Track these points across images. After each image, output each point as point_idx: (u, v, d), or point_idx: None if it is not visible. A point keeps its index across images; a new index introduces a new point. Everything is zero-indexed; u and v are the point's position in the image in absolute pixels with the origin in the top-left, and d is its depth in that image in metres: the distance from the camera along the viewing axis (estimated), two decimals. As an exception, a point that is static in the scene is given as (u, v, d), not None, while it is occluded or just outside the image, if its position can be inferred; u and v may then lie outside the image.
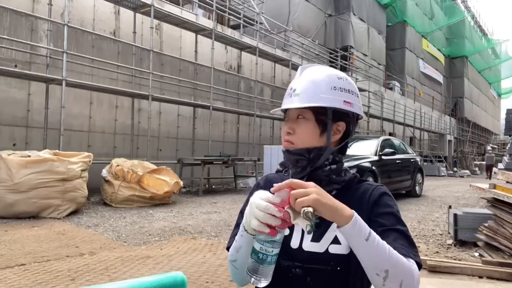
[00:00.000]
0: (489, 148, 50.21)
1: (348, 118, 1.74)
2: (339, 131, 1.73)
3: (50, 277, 5.52)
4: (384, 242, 1.40)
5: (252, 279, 1.43)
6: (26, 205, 9.72)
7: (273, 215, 1.36)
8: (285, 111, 1.78)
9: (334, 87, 1.68)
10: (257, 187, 1.90)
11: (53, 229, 8.66)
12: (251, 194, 1.71)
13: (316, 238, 1.65)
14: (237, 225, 1.76)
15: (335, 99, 1.67)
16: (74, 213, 10.49)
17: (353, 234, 1.37)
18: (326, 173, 1.71)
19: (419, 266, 1.47)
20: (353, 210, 1.39)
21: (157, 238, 8.21)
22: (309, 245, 1.66)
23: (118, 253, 6.86)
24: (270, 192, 1.41)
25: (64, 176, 10.23)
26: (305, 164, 1.70)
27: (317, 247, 1.65)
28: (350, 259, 1.57)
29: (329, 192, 1.60)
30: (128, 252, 6.96)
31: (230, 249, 1.71)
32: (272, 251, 1.40)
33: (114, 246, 7.45)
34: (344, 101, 1.68)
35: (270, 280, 1.44)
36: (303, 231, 1.68)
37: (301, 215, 1.32)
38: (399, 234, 1.55)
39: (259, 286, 1.45)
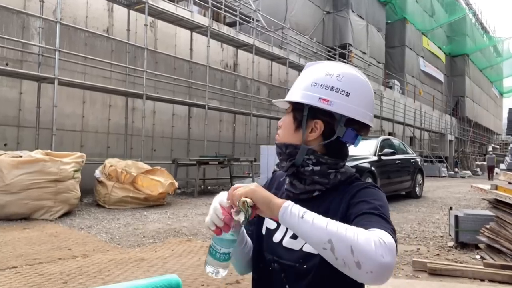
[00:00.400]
0: (490, 149, 50.14)
1: (329, 118, 1.67)
2: (316, 128, 1.69)
3: (42, 280, 5.53)
4: (323, 218, 1.39)
5: (207, 268, 1.59)
6: (18, 207, 9.72)
7: (218, 217, 1.53)
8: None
9: (315, 83, 1.66)
10: (271, 179, 2.02)
11: (45, 231, 8.67)
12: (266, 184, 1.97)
13: (295, 236, 1.66)
14: None
15: (311, 96, 1.65)
16: (66, 214, 10.50)
17: (287, 217, 1.42)
18: (308, 173, 1.70)
19: (392, 232, 1.40)
20: (285, 200, 1.48)
21: (151, 240, 8.24)
22: (288, 242, 1.70)
23: (112, 256, 6.87)
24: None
25: (57, 177, 10.24)
26: (285, 158, 1.74)
27: (294, 244, 1.67)
28: (321, 260, 1.51)
29: (311, 191, 1.71)
30: (122, 255, 6.98)
31: None
32: (220, 249, 1.55)
33: (107, 248, 7.46)
34: (320, 98, 1.64)
35: (223, 275, 1.58)
36: (287, 228, 1.67)
37: (238, 205, 1.48)
38: (369, 215, 1.48)
39: (214, 277, 1.59)
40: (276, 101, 1.84)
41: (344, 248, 1.29)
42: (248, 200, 1.47)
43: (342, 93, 1.64)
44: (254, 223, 1.86)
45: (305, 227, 1.37)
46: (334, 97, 1.64)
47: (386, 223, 1.43)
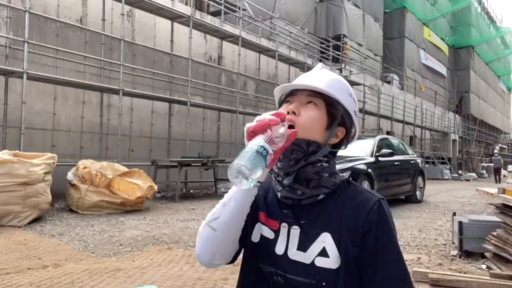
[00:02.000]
0: (496, 150, 50.22)
1: (347, 127, 1.80)
2: (337, 135, 1.77)
3: (11, 291, 5.56)
4: None
5: (234, 174, 1.46)
6: (-17, 212, 9.72)
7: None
8: (291, 93, 1.80)
9: (350, 94, 1.79)
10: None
11: (13, 239, 8.67)
12: None
13: (303, 247, 1.66)
14: None
15: (350, 103, 1.78)
16: (36, 220, 10.48)
17: None
18: (317, 169, 1.71)
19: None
20: None
21: (128, 249, 8.25)
22: (294, 254, 1.67)
23: (85, 265, 6.88)
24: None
25: (25, 180, 10.23)
26: (300, 157, 1.70)
27: (303, 257, 1.65)
28: (339, 275, 1.60)
29: (317, 195, 1.71)
30: (97, 264, 6.99)
31: (212, 209, 1.75)
32: (267, 149, 1.51)
33: (80, 257, 7.47)
34: (355, 111, 1.80)
35: (253, 184, 1.51)
36: (288, 237, 1.70)
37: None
38: (394, 277, 1.61)
39: (240, 186, 1.52)
40: (306, 84, 1.75)
41: None
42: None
43: (357, 112, 1.84)
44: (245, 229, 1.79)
45: None
46: (357, 113, 1.84)
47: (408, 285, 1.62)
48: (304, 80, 1.77)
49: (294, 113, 1.70)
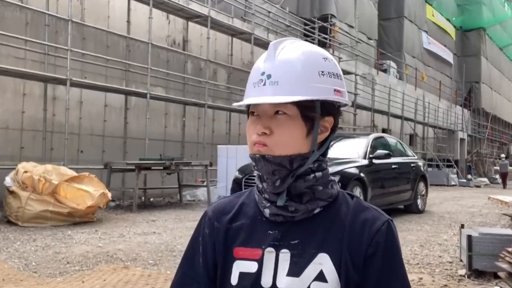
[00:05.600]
0: (502, 154, 50.14)
1: (335, 111, 1.74)
2: (326, 128, 1.72)
3: None
4: None
5: None
6: None
7: None
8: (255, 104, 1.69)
9: (322, 71, 1.66)
10: (205, 220, 1.87)
11: None
12: (196, 231, 1.86)
13: (295, 272, 1.63)
14: (186, 261, 1.84)
15: (326, 88, 1.66)
16: (-32, 234, 10.51)
17: None
18: (310, 183, 1.68)
19: None
20: None
21: (77, 267, 8.25)
22: (285, 282, 1.63)
23: (27, 287, 6.93)
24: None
25: (-44, 187, 10.29)
26: (284, 175, 1.66)
27: (297, 284, 1.62)
28: None
29: (312, 210, 1.69)
30: (40, 286, 7.04)
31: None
32: None
33: (21, 277, 7.47)
34: (335, 90, 1.68)
35: None
36: (276, 264, 1.65)
37: None
38: None
39: None
40: (262, 101, 1.65)
41: None
42: None
43: (341, 78, 1.73)
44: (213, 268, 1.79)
45: None
46: (341, 85, 1.72)
47: None
48: (259, 82, 1.66)
49: (265, 133, 1.64)
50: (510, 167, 42.34)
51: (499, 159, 46.01)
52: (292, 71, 1.63)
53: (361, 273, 1.61)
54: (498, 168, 52.01)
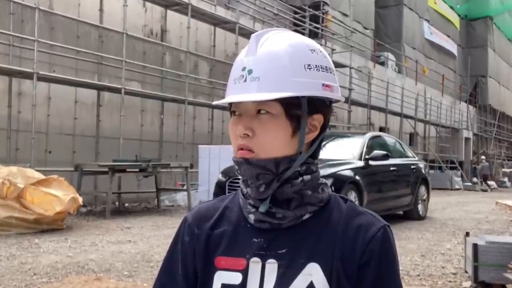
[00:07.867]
0: (482, 156, 49.94)
1: (326, 107, 1.73)
2: (315, 127, 1.70)
3: None
4: None
5: None
6: None
7: None
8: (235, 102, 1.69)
9: (309, 65, 1.65)
10: (184, 226, 1.86)
11: None
12: (175, 239, 1.86)
13: (283, 284, 1.62)
14: (165, 272, 1.83)
15: (312, 83, 1.64)
16: None
17: None
18: (298, 187, 1.68)
19: None
20: None
21: (45, 279, 8.26)
22: None
23: (-10, 300, 7.00)
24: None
25: None
26: (270, 179, 1.65)
27: None
28: None
29: (301, 216, 1.68)
30: (5, 299, 7.10)
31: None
32: None
33: (-17, 290, 7.52)
34: (323, 85, 1.66)
35: None
36: (262, 275, 1.65)
37: None
38: None
39: None
40: (242, 99, 1.64)
41: None
42: None
43: (331, 72, 1.71)
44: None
45: None
46: (331, 79, 1.70)
47: None
48: (240, 78, 1.65)
49: (247, 134, 1.63)
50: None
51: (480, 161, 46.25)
52: (274, 65, 1.61)
53: (354, 284, 1.60)
54: (506, 170, 52.38)
